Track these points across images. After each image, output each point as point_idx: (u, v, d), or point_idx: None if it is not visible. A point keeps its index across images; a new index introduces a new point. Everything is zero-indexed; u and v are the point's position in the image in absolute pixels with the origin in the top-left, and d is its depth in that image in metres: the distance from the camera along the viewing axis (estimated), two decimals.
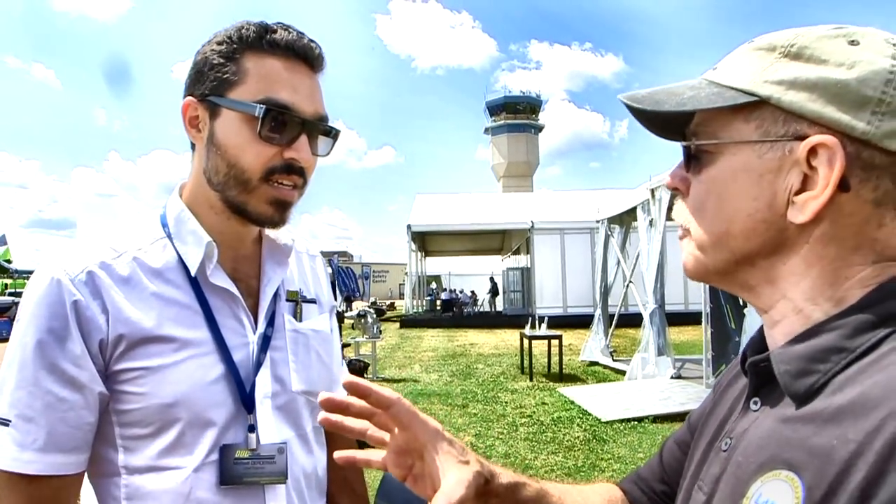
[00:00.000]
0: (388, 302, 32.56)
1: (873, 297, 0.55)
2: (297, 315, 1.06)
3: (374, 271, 42.12)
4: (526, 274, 23.89)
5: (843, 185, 0.54)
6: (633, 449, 5.88)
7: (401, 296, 40.86)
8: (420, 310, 27.23)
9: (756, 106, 0.58)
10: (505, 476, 0.73)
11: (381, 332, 11.46)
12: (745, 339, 6.81)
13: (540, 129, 78.03)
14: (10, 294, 26.46)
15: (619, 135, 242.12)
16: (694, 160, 0.63)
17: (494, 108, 76.88)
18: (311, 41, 0.94)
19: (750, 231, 0.59)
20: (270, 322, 1.01)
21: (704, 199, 0.62)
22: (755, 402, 0.61)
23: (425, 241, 27.98)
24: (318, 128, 0.95)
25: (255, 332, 0.98)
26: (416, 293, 27.44)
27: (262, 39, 0.91)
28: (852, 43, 0.56)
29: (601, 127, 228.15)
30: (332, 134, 0.98)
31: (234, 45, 0.92)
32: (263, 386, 0.97)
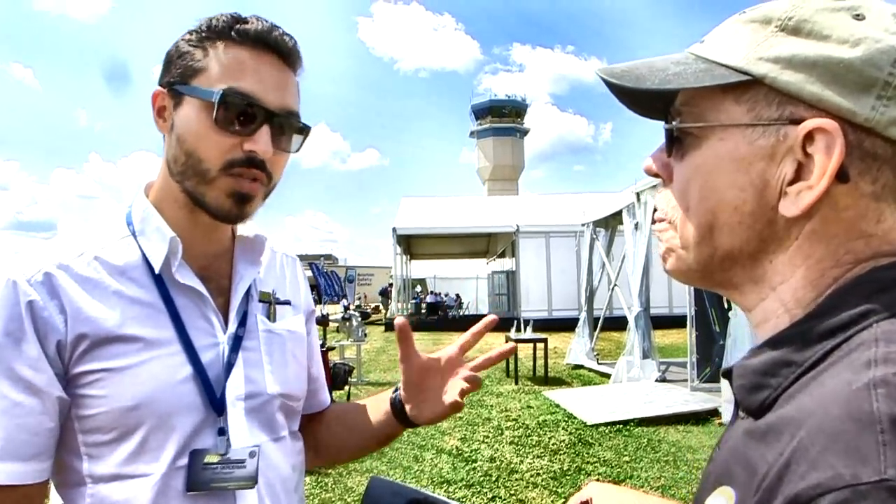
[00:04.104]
0: (372, 305, 32.39)
1: (828, 304, 0.50)
2: (271, 316, 1.03)
3: (358, 274, 41.99)
4: (511, 277, 23.92)
5: (840, 176, 0.49)
6: (618, 452, 5.88)
7: (386, 299, 40.72)
8: (405, 313, 27.14)
9: (748, 86, 0.52)
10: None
11: (366, 335, 11.40)
12: (729, 343, 6.87)
13: (525, 132, 78.30)
14: None
15: (604, 138, 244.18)
16: (677, 143, 0.58)
17: (480, 112, 77.05)
18: (285, 34, 0.91)
19: (736, 224, 0.54)
20: (242, 322, 0.97)
21: (687, 187, 0.57)
22: (742, 411, 0.57)
23: (410, 245, 27.93)
24: (285, 121, 0.91)
25: (224, 332, 0.95)
26: (401, 296, 27.36)
27: (231, 29, 0.88)
28: (857, 17, 0.50)
29: (585, 130, 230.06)
30: (302, 130, 0.94)
31: (204, 34, 0.89)
32: (235, 388, 0.93)
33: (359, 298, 27.91)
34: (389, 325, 22.92)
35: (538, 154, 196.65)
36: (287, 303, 1.07)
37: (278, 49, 0.89)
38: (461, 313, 28.82)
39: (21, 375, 0.82)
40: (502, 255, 28.26)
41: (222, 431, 0.90)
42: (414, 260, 31.52)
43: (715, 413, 6.93)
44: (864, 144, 0.49)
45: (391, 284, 27.65)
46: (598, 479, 4.93)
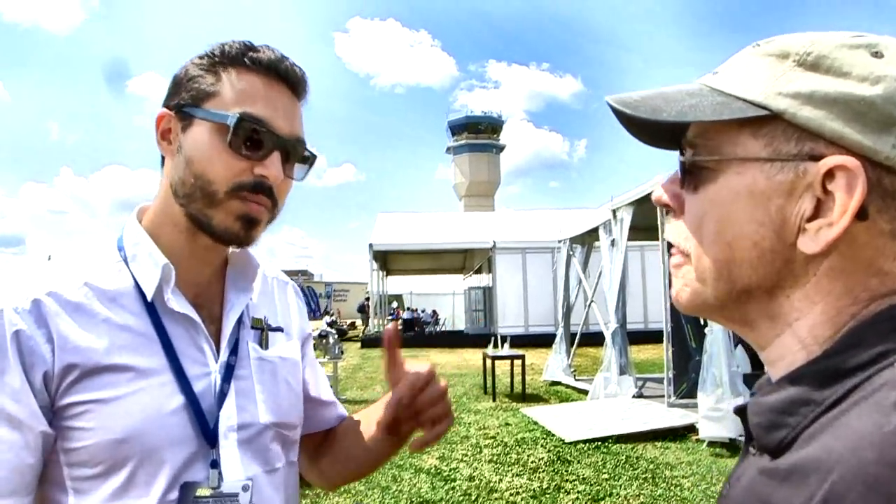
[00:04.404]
0: (348, 321, 32.18)
1: (846, 341, 0.50)
2: (263, 343, 1.00)
3: (335, 290, 41.77)
4: (488, 293, 23.94)
5: (860, 214, 0.48)
6: (597, 470, 5.87)
7: (363, 314, 40.49)
8: (381, 329, 26.99)
9: (766, 120, 0.52)
10: None
11: (342, 352, 11.29)
12: (705, 359, 6.93)
13: (501, 148, 78.90)
14: None
15: (578, 155, 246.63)
16: (690, 175, 0.57)
17: (456, 128, 77.54)
18: (294, 65, 0.92)
19: (755, 259, 0.53)
20: (234, 350, 0.95)
21: (701, 220, 0.56)
22: (753, 446, 0.56)
23: (387, 260, 27.85)
24: (294, 149, 0.92)
25: (217, 361, 0.92)
26: (377, 312, 27.25)
27: (244, 56, 0.89)
28: (875, 55, 0.50)
29: (560, 147, 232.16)
30: (309, 160, 0.95)
31: (216, 59, 0.90)
32: (228, 418, 0.90)
33: (332, 315, 27.71)
34: (366, 342, 22.81)
35: (514, 170, 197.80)
36: (279, 329, 1.05)
37: (288, 78, 0.91)
38: (438, 329, 28.77)
39: (2, 409, 0.79)
40: (479, 271, 28.30)
41: (215, 464, 0.87)
42: (390, 276, 31.45)
43: (692, 429, 6.96)
44: (884, 182, 0.49)
45: (368, 299, 27.54)
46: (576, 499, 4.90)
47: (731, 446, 6.37)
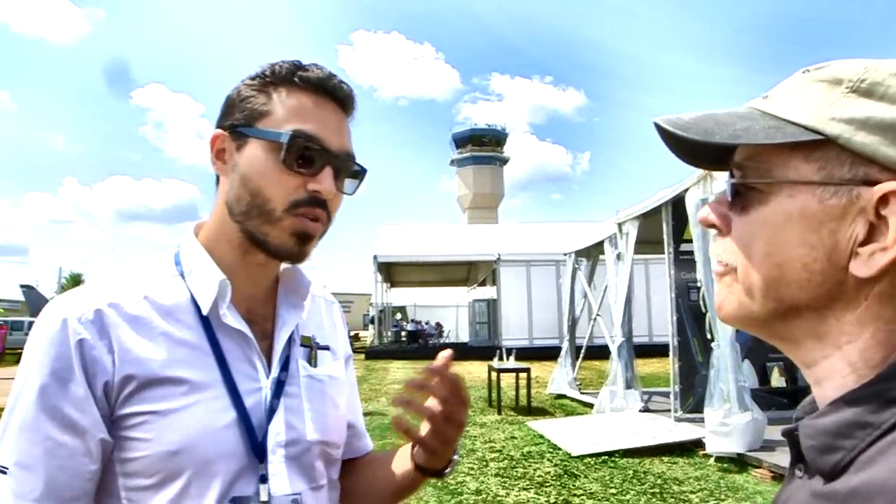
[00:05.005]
0: (352, 333, 32.17)
1: None
2: (312, 361, 1.01)
3: (338, 301, 41.70)
4: (492, 306, 23.94)
5: None
6: (605, 484, 5.84)
7: (365, 326, 40.45)
8: (385, 341, 26.98)
9: (818, 145, 0.52)
10: None
11: None
12: (712, 374, 6.91)
13: (505, 161, 79.14)
14: None
15: (581, 168, 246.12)
16: (739, 197, 0.57)
17: (460, 140, 77.84)
18: (343, 82, 0.95)
19: (805, 281, 0.53)
20: (284, 367, 0.96)
21: (750, 240, 0.56)
22: (800, 469, 0.56)
23: (391, 272, 27.89)
24: (344, 164, 0.94)
25: (268, 377, 0.93)
26: (381, 324, 27.22)
27: (293, 75, 0.91)
28: None
29: (563, 160, 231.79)
30: (359, 174, 0.97)
31: (267, 79, 0.92)
32: (277, 434, 0.91)
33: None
34: (370, 354, 22.78)
35: (517, 182, 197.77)
36: (326, 348, 1.06)
37: (336, 95, 0.93)
38: (441, 341, 28.72)
39: (66, 415, 0.81)
40: (483, 284, 28.31)
41: (264, 479, 0.88)
42: (394, 287, 31.45)
43: (699, 444, 6.94)
44: None
45: (382, 311, 27.46)
46: None
47: (738, 461, 6.33)
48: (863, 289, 0.52)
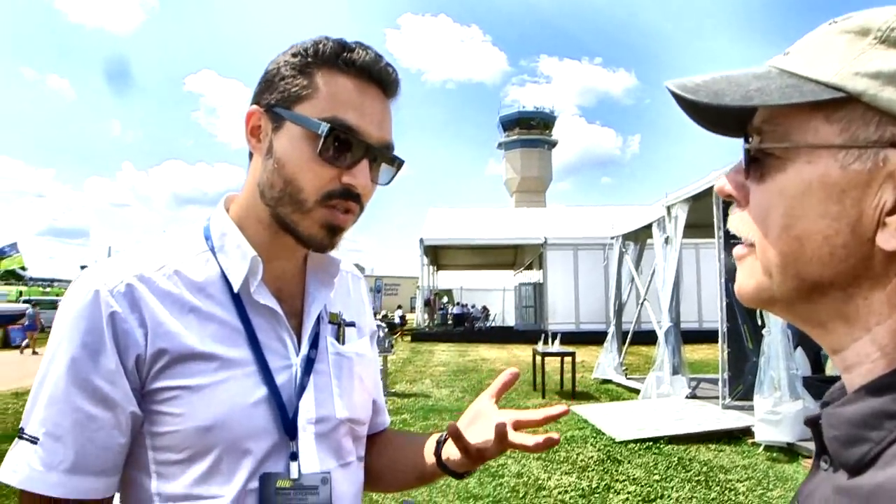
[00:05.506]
0: (402, 315, 32.47)
1: None
2: (340, 338, 1.01)
3: (385, 284, 42.13)
4: (538, 289, 23.82)
5: None
6: (648, 471, 5.77)
7: (412, 309, 40.78)
8: (433, 324, 27.16)
9: (842, 103, 0.46)
10: None
11: (392, 346, 11.41)
12: (763, 361, 6.73)
13: (553, 144, 78.20)
14: (25, 301, 26.66)
15: (631, 150, 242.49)
16: (756, 164, 0.52)
17: (508, 123, 77.23)
18: (389, 65, 0.90)
19: (827, 256, 0.47)
20: (314, 344, 0.95)
21: (767, 212, 0.51)
22: (825, 461, 0.51)
23: (437, 255, 27.97)
24: (382, 155, 0.91)
25: (297, 354, 0.93)
26: (428, 306, 27.37)
27: (338, 57, 0.87)
28: None
29: (613, 143, 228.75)
30: (396, 163, 0.94)
31: (308, 59, 0.88)
32: (307, 411, 0.91)
33: (402, 309, 28.00)
34: (416, 336, 22.96)
35: (565, 166, 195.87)
36: (352, 324, 1.06)
37: (381, 81, 0.89)
38: (487, 325, 28.74)
39: (97, 388, 0.81)
40: (529, 267, 28.16)
41: (294, 456, 0.88)
42: (441, 270, 31.55)
43: (747, 432, 6.78)
44: None
45: (436, 294, 27.64)
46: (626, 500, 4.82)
47: (788, 451, 6.17)
48: (892, 263, 0.46)
